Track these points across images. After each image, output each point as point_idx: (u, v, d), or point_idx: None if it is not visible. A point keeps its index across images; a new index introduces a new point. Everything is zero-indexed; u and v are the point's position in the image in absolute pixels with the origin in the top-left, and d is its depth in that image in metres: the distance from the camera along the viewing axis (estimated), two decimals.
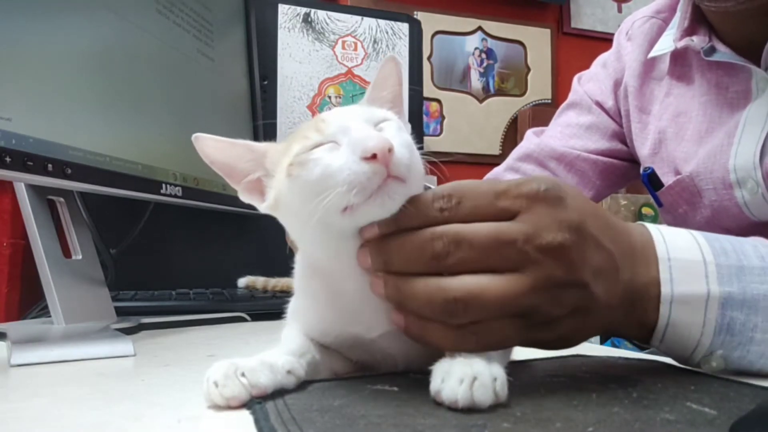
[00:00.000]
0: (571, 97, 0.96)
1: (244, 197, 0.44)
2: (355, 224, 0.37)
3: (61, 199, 0.70)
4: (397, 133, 0.39)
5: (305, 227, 0.39)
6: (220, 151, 0.43)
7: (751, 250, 0.43)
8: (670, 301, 0.41)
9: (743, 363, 0.42)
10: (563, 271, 0.36)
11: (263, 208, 0.43)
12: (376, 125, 0.40)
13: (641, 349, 0.69)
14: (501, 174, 0.98)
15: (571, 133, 0.92)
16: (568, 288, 0.37)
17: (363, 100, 0.47)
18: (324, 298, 0.42)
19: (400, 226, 0.37)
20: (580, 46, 2.31)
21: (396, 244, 0.37)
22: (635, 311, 0.41)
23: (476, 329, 0.36)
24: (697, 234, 0.44)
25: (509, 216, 0.37)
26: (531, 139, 0.96)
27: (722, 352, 0.41)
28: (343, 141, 0.38)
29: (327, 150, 0.38)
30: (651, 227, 0.44)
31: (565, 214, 0.37)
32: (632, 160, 0.90)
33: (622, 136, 0.90)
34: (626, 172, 0.91)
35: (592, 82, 0.93)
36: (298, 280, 0.45)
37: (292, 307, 0.47)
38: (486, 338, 0.37)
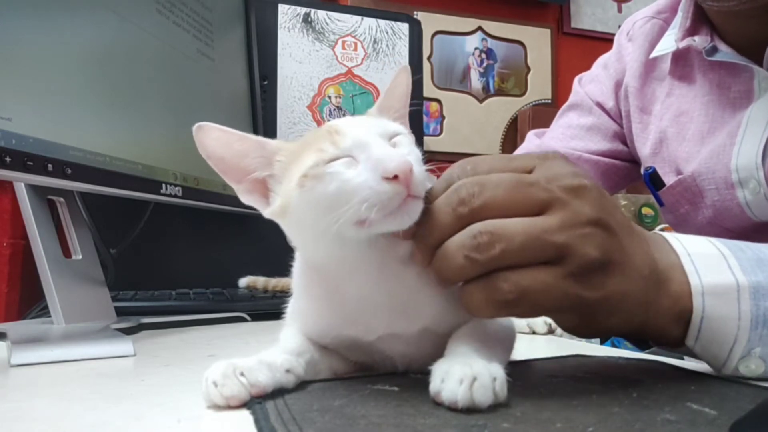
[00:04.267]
0: (572, 98, 0.96)
1: (246, 198, 0.42)
2: (369, 235, 0.37)
3: (61, 199, 0.70)
4: (411, 149, 0.40)
5: (314, 237, 0.39)
6: (226, 145, 0.41)
7: (764, 248, 0.43)
8: (701, 292, 0.40)
9: None
10: (590, 208, 0.37)
11: (267, 213, 0.41)
12: (390, 139, 0.40)
13: (641, 349, 0.69)
14: None
15: (572, 134, 0.92)
16: (597, 227, 0.37)
17: (374, 108, 0.47)
18: (323, 300, 0.42)
19: (442, 232, 0.37)
20: (580, 46, 2.31)
21: (441, 266, 0.37)
22: (667, 294, 0.40)
23: (508, 275, 0.36)
24: (709, 237, 0.44)
25: (526, 172, 0.38)
26: (532, 141, 0.96)
27: (760, 350, 0.40)
28: (360, 157, 0.37)
29: (344, 165, 0.37)
30: (660, 232, 0.44)
31: (579, 169, 0.38)
32: (633, 160, 0.90)
33: (623, 136, 0.90)
34: (628, 173, 0.92)
35: (593, 83, 0.93)
36: (297, 281, 0.45)
37: (291, 307, 0.47)
38: (521, 284, 0.35)
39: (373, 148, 0.37)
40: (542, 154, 0.40)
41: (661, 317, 0.41)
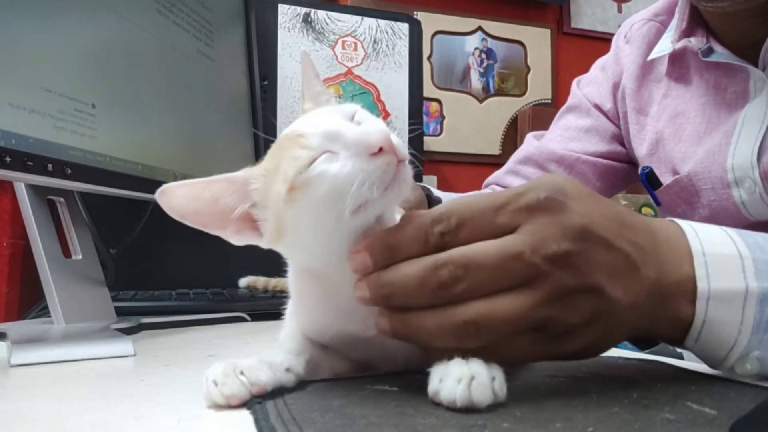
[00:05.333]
0: (571, 100, 0.96)
1: (236, 239, 0.40)
2: (365, 221, 0.37)
3: (61, 199, 0.70)
4: (376, 120, 0.39)
5: (314, 246, 0.38)
6: (194, 198, 0.38)
7: None
8: (707, 297, 0.39)
9: None
10: (573, 279, 0.35)
11: (265, 243, 0.40)
12: (352, 120, 0.40)
13: (641, 349, 0.69)
14: (502, 177, 0.98)
15: (571, 136, 0.92)
16: (581, 295, 0.36)
17: (307, 103, 0.47)
18: (319, 299, 0.42)
19: (397, 257, 0.36)
20: (580, 46, 2.31)
21: (397, 276, 0.36)
22: (668, 309, 0.40)
23: (492, 349, 0.35)
24: (729, 230, 0.42)
25: (510, 231, 0.36)
26: (531, 143, 0.96)
27: (759, 353, 0.39)
28: (336, 147, 0.36)
29: (325, 161, 0.36)
30: (681, 221, 0.42)
31: (569, 220, 0.36)
32: (632, 162, 0.90)
33: (621, 138, 0.90)
34: (626, 174, 0.92)
35: (591, 85, 0.93)
36: (294, 285, 0.45)
37: (290, 308, 0.47)
38: (504, 356, 0.35)
39: (345, 133, 0.36)
40: (532, 201, 0.36)
41: (659, 327, 0.41)
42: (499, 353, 0.35)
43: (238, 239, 0.40)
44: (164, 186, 0.37)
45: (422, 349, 0.39)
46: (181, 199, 0.38)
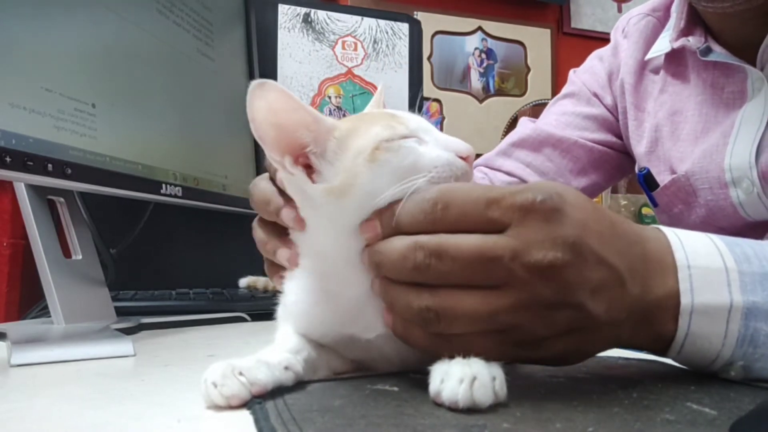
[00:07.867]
0: (568, 87, 0.95)
1: (288, 172, 0.40)
2: None
3: (61, 199, 0.70)
4: None
5: (354, 223, 0.38)
6: (281, 112, 0.38)
7: None
8: (690, 312, 0.38)
9: (764, 374, 0.40)
10: (552, 292, 0.35)
11: (319, 190, 0.39)
12: None
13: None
14: (492, 159, 0.95)
15: (567, 121, 0.91)
16: (558, 309, 0.35)
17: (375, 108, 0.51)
18: (320, 299, 0.42)
19: (397, 230, 0.37)
20: (580, 46, 2.31)
21: (386, 248, 0.37)
22: (650, 324, 0.39)
23: (452, 338, 0.36)
24: (717, 239, 0.41)
25: (499, 228, 0.35)
26: (526, 125, 0.94)
27: (743, 363, 0.39)
28: (426, 138, 0.40)
29: (415, 142, 0.39)
30: (668, 231, 0.41)
31: (561, 230, 0.34)
32: (627, 152, 0.90)
33: (617, 129, 0.90)
34: (620, 164, 0.91)
35: (588, 73, 0.93)
36: (293, 281, 0.44)
37: (284, 307, 0.46)
38: (462, 348, 0.35)
39: (437, 132, 0.41)
40: (528, 201, 0.35)
41: (640, 341, 0.41)
42: (456, 344, 0.36)
43: (289, 172, 0.40)
44: (266, 80, 0.38)
45: (406, 344, 0.39)
46: (268, 103, 0.38)
